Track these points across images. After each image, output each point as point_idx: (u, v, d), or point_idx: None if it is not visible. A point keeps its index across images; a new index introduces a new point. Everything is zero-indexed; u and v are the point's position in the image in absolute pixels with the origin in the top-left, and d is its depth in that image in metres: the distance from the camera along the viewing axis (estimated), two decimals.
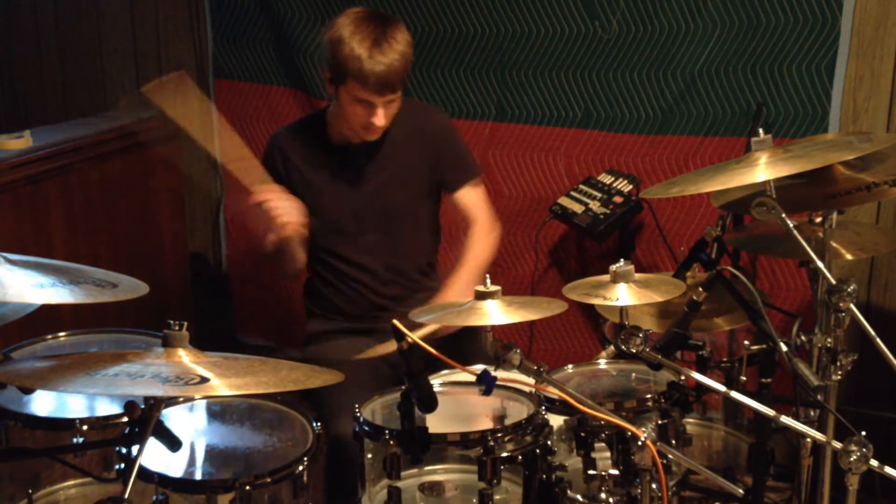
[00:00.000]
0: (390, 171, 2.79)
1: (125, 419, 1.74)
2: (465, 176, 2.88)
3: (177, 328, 1.68)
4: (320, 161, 2.79)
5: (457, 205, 2.88)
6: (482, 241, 2.85)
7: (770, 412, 1.85)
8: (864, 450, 1.70)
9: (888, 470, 1.76)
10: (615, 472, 2.06)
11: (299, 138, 2.82)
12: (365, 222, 2.81)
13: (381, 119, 2.61)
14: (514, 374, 1.98)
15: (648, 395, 2.13)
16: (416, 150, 2.81)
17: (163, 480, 1.85)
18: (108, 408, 2.09)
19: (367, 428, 2.07)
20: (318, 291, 2.91)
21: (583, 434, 2.10)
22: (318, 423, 2.04)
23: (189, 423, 2.10)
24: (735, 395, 1.89)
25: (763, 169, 2.02)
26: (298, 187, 2.76)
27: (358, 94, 2.59)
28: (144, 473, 1.83)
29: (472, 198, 2.89)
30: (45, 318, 2.14)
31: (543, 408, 2.12)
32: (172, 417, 2.08)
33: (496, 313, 1.99)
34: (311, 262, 2.87)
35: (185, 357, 1.65)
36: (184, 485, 1.89)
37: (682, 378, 2.14)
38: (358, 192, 2.79)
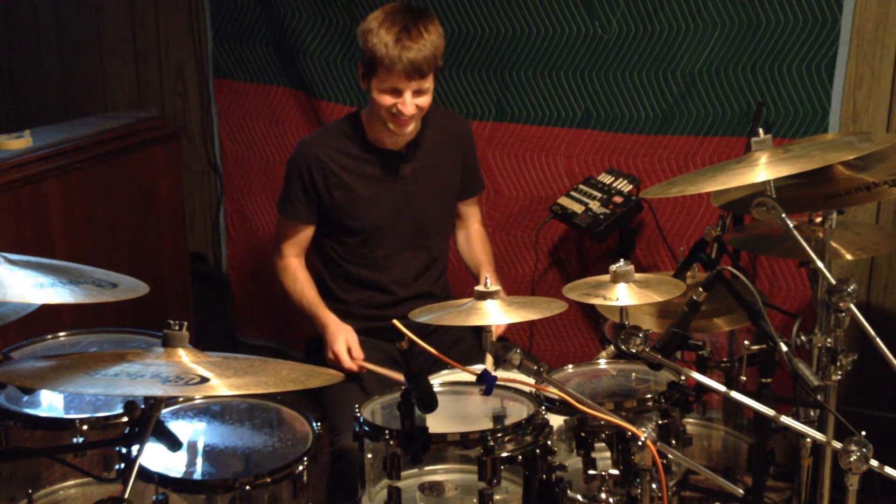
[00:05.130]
0: (428, 173, 2.83)
1: (125, 419, 1.74)
2: (477, 187, 3.03)
3: (177, 328, 1.68)
4: (358, 165, 2.79)
5: (460, 212, 3.01)
6: (488, 246, 3.06)
7: (770, 412, 1.85)
8: (864, 450, 1.70)
9: (888, 470, 1.76)
10: (615, 472, 2.06)
11: (334, 144, 2.80)
12: (401, 224, 2.84)
13: (407, 107, 2.62)
14: (514, 374, 1.98)
15: (648, 395, 2.13)
16: (450, 155, 2.87)
17: (163, 480, 1.85)
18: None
19: (367, 428, 2.07)
20: (330, 290, 2.90)
21: (583, 434, 2.10)
22: (319, 424, 2.04)
23: (189, 423, 2.10)
24: (735, 395, 1.89)
25: (763, 169, 2.02)
26: (338, 193, 2.78)
27: (386, 82, 2.62)
28: (144, 473, 1.83)
29: (474, 208, 3.06)
30: (45, 318, 2.14)
31: (543, 408, 2.12)
32: (173, 418, 2.08)
33: (496, 313, 1.99)
34: (335, 264, 2.88)
35: (185, 357, 1.65)
36: (184, 485, 1.89)
37: (682, 378, 2.14)
38: (395, 194, 2.81)
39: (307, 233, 2.86)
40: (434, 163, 2.83)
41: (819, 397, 1.87)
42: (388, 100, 2.63)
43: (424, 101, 2.66)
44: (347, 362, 2.69)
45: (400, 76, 2.59)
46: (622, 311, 2.22)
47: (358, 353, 2.72)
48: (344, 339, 2.72)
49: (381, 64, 2.59)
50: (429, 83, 2.65)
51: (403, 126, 2.68)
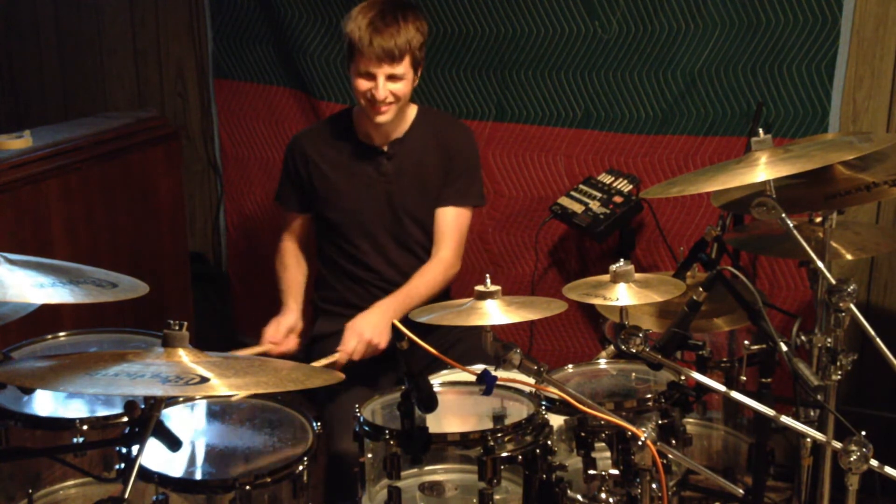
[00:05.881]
0: (408, 173, 2.83)
1: (125, 419, 1.74)
2: (459, 198, 2.86)
3: (177, 328, 1.68)
4: (341, 159, 2.85)
5: (436, 221, 2.86)
6: (432, 275, 2.81)
7: (770, 412, 1.85)
8: (864, 450, 1.70)
9: (888, 470, 1.76)
10: (615, 472, 2.06)
11: (322, 137, 2.89)
12: (380, 221, 2.85)
13: (380, 91, 2.66)
14: (514, 374, 1.98)
15: (648, 395, 2.13)
16: (434, 156, 2.85)
17: (163, 480, 1.85)
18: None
19: (367, 428, 2.07)
20: (329, 286, 2.94)
21: (583, 434, 2.10)
22: (318, 423, 2.04)
23: (189, 423, 2.10)
24: (735, 395, 1.89)
25: (763, 169, 2.02)
26: (319, 184, 2.85)
27: (361, 67, 2.67)
28: (144, 473, 1.83)
29: (451, 221, 2.86)
30: (45, 318, 2.14)
31: (543, 408, 2.12)
32: (172, 417, 2.08)
33: (496, 313, 1.99)
34: (326, 257, 2.93)
35: (185, 357, 1.65)
36: (184, 485, 1.89)
37: (682, 378, 2.14)
38: (375, 191, 2.83)
39: (300, 222, 2.95)
40: (417, 164, 2.83)
41: (819, 397, 1.86)
42: (363, 84, 2.68)
43: (400, 88, 2.69)
44: (264, 343, 2.72)
45: (371, 59, 2.64)
46: (622, 311, 2.22)
47: (274, 335, 2.73)
48: (275, 320, 2.76)
49: (355, 47, 2.66)
50: (402, 70, 2.67)
51: (380, 112, 2.70)
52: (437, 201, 2.87)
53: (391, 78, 2.66)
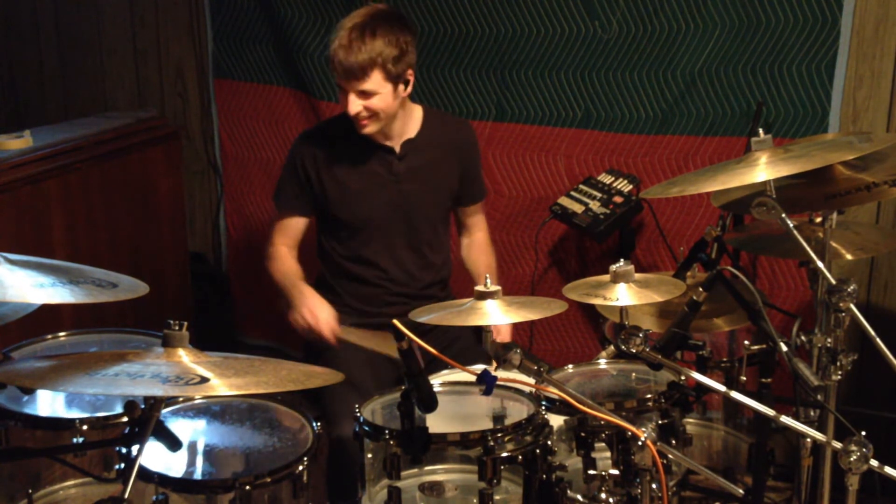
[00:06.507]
0: (421, 174, 2.84)
1: (125, 419, 1.74)
2: (480, 194, 3.02)
3: (177, 328, 1.68)
4: (352, 158, 2.83)
5: (463, 220, 3.01)
6: (490, 249, 3.04)
7: (770, 412, 1.85)
8: (864, 450, 1.70)
9: (888, 470, 1.76)
10: (615, 472, 2.06)
11: (330, 136, 2.86)
12: (391, 221, 2.85)
13: (351, 106, 2.66)
14: (515, 374, 1.98)
15: (648, 395, 2.13)
16: (447, 157, 2.87)
17: (163, 480, 1.85)
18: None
19: (367, 428, 2.07)
20: (330, 286, 2.92)
21: (583, 434, 2.10)
22: (318, 423, 2.04)
23: (189, 422, 2.10)
24: (735, 395, 1.89)
25: (763, 169, 2.02)
26: (328, 184, 2.82)
27: (337, 82, 2.69)
28: (144, 473, 1.83)
29: (478, 213, 3.04)
30: (45, 318, 2.14)
31: (543, 408, 2.12)
32: (173, 418, 2.08)
33: (496, 313, 1.99)
34: (328, 256, 2.91)
35: (185, 357, 1.65)
36: (184, 485, 1.89)
37: (682, 378, 2.14)
38: (387, 191, 2.82)
39: (298, 224, 2.89)
40: (429, 164, 2.84)
41: (819, 397, 1.86)
42: (342, 98, 2.70)
43: (374, 103, 2.67)
44: (325, 329, 2.68)
45: (339, 76, 2.66)
46: (622, 311, 2.22)
47: (332, 322, 2.71)
48: (323, 308, 2.73)
49: (331, 64, 2.68)
50: (372, 86, 2.64)
51: (360, 125, 2.71)
52: (448, 200, 2.91)
53: (362, 94, 2.66)
